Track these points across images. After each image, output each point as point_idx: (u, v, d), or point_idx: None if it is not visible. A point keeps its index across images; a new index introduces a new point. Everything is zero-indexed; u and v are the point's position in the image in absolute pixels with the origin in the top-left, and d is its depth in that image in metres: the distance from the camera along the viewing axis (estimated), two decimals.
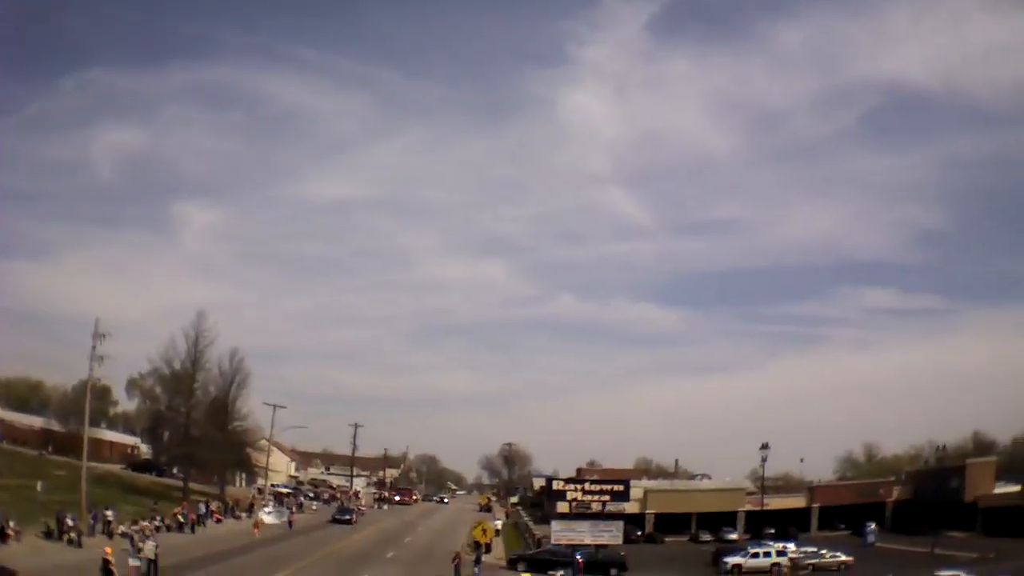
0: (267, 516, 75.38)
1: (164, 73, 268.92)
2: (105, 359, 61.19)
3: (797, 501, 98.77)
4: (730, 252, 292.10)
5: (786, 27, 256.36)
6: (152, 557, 42.20)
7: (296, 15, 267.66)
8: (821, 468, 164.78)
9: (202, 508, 72.59)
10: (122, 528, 54.07)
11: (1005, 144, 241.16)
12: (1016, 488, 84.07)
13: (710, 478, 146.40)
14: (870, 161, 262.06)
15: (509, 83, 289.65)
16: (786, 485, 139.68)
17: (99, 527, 55.46)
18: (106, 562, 37.77)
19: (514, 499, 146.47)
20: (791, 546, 69.46)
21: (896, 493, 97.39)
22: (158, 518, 62.87)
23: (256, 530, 66.94)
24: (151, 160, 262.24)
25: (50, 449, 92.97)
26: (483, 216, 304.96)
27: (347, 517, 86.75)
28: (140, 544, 44.17)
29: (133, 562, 41.08)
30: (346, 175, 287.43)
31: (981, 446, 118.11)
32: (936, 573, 50.25)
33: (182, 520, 65.14)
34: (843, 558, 64.88)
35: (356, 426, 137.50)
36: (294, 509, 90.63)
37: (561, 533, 51.87)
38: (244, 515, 77.44)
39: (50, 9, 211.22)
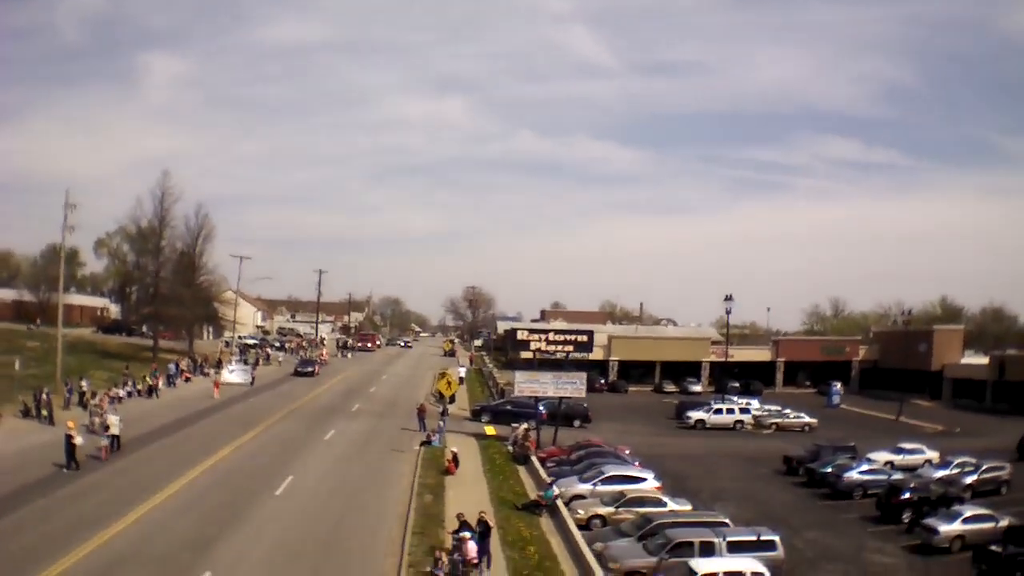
0: (229, 375, 72.50)
1: None
2: (75, 228, 59.16)
3: (762, 354, 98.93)
4: (693, 94, 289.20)
5: None
6: (116, 433, 40.39)
7: None
8: (788, 319, 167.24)
9: (172, 368, 70.94)
10: (95, 398, 51.75)
11: (974, 8, 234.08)
12: (983, 360, 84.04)
13: (675, 323, 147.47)
14: (835, 11, 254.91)
15: None
16: (752, 334, 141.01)
17: (75, 399, 53.76)
18: (69, 437, 36.39)
19: (478, 343, 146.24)
20: (755, 403, 69.48)
21: (862, 352, 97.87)
22: (130, 383, 61.36)
23: (216, 390, 64.17)
24: (114, 15, 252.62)
25: (38, 323, 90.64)
26: (442, 54, 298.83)
27: (309, 369, 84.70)
28: (104, 419, 41.92)
29: (103, 441, 39.46)
30: (306, 17, 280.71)
31: (949, 312, 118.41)
32: (899, 445, 49.74)
33: (150, 383, 63.10)
34: (807, 419, 64.63)
35: (320, 272, 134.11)
36: (260, 362, 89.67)
37: (525, 384, 50.22)
38: (213, 371, 75.41)
39: None
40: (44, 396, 48.71)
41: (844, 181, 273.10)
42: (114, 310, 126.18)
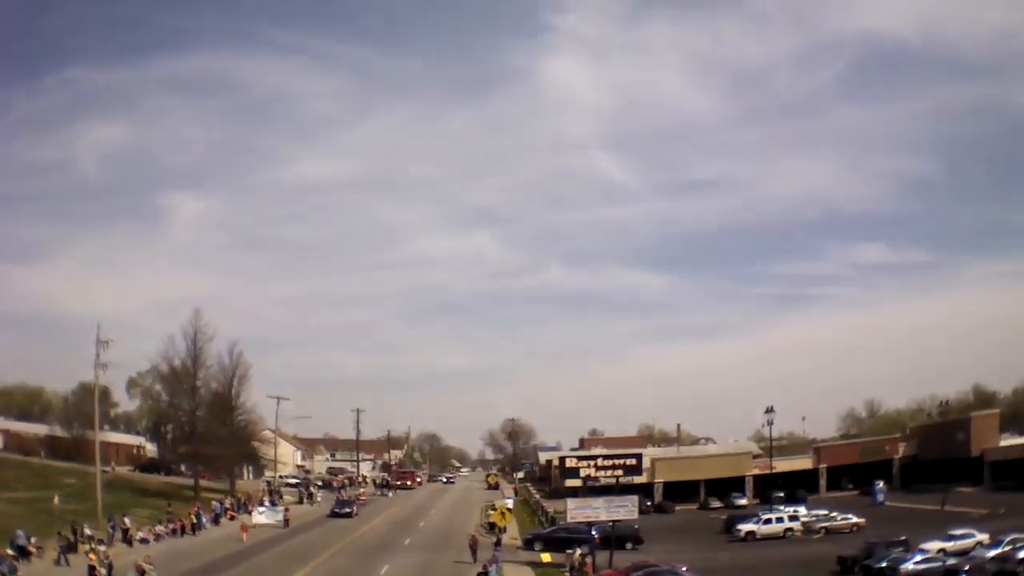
0: (259, 516, 70.77)
1: (143, 66, 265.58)
2: (108, 366, 61.24)
3: (804, 462, 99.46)
4: (719, 212, 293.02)
5: None
6: None
7: None
8: (824, 426, 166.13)
9: (217, 506, 71.63)
10: (140, 534, 53.15)
11: (987, 92, 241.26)
12: (1021, 440, 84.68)
13: (714, 442, 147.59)
14: (853, 115, 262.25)
15: (487, 55, 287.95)
16: (790, 444, 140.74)
17: (118, 535, 54.29)
18: (91, 568, 38.07)
19: (520, 474, 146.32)
20: (802, 509, 70.01)
21: (902, 449, 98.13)
22: (173, 520, 62.36)
23: (244, 534, 61.00)
24: (136, 154, 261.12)
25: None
26: (468, 189, 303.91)
27: (347, 510, 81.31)
28: (138, 565, 40.66)
29: None
30: (329, 156, 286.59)
31: (982, 398, 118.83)
32: (949, 532, 50.52)
33: (195, 521, 64.00)
34: (855, 520, 65.19)
35: (358, 411, 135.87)
36: (304, 500, 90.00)
37: (577, 511, 51.59)
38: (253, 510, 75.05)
39: (26, 9, 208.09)
40: (88, 530, 49.30)
41: (872, 285, 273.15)
42: (150, 449, 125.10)
